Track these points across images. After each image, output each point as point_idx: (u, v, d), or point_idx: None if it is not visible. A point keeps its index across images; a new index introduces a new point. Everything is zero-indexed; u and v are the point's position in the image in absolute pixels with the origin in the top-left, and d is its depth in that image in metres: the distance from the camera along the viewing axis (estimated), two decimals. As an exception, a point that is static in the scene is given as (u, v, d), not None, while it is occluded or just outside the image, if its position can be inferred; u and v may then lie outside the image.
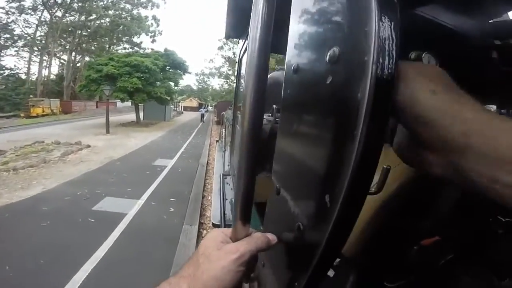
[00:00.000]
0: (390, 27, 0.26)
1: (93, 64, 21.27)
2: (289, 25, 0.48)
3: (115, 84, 18.63)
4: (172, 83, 23.09)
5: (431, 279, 0.75)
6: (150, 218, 4.47)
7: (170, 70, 22.59)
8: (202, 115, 28.86)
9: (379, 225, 0.68)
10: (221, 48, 34.97)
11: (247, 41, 1.72)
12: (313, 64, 0.40)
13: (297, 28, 0.46)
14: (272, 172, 0.53)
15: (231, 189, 2.07)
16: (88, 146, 10.41)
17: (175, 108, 43.91)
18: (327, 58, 0.32)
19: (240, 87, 1.97)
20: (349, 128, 0.27)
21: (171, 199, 5.31)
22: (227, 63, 37.55)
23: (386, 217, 0.67)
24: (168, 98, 21.94)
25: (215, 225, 2.52)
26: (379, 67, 0.25)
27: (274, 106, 2.13)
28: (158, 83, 20.72)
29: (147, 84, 19.71)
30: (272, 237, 0.43)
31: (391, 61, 0.25)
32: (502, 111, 1.33)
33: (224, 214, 2.06)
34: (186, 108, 60.30)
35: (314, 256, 0.33)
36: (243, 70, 2.11)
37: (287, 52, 0.48)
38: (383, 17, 0.25)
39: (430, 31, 0.84)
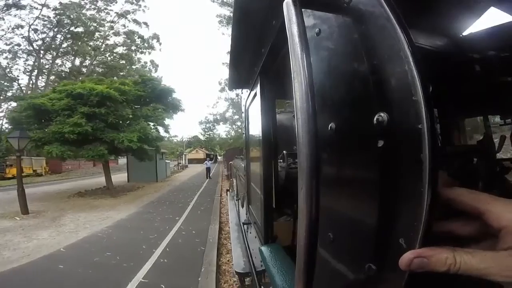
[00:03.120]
0: (433, 92, 0.31)
1: (25, 98, 12.99)
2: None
3: (46, 129, 10.98)
4: (154, 125, 14.62)
5: None
6: None
7: (150, 104, 14.28)
8: (208, 170, 21.56)
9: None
10: (223, 90, 34.00)
11: (252, 91, 1.83)
12: (357, 126, 0.44)
13: (328, 87, 0.51)
14: (322, 225, 0.53)
15: (255, 237, 2.11)
16: None
17: (179, 162, 40.91)
18: (375, 122, 0.37)
19: (253, 136, 2.02)
20: (415, 185, 0.31)
21: None
22: (231, 106, 36.75)
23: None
24: (151, 148, 13.80)
25: (238, 273, 2.43)
26: (432, 133, 0.30)
27: (284, 152, 2.15)
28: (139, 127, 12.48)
29: (106, 127, 11.66)
30: None
31: (438, 124, 0.29)
32: (507, 120, 1.32)
33: (252, 262, 2.01)
34: (192, 161, 57.01)
35: None
36: (251, 119, 2.19)
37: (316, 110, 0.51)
38: (427, 84, 0.30)
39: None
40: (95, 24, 32.57)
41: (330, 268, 0.54)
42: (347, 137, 0.46)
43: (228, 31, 26.70)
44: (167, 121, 15.75)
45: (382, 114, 0.36)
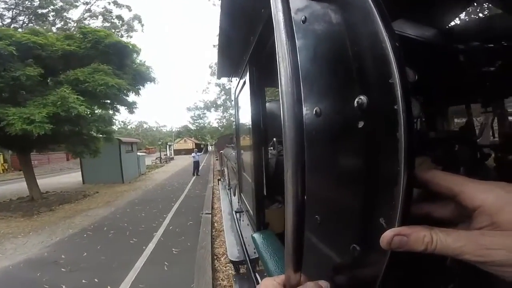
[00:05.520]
0: (410, 75, 0.31)
1: None
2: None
3: None
4: (112, 103, 10.46)
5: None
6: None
7: (99, 66, 8.83)
8: (196, 164, 16.80)
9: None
10: (213, 73, 30.53)
11: (241, 80, 1.82)
12: (339, 109, 0.46)
13: (313, 72, 0.52)
14: (309, 208, 0.54)
15: (247, 224, 2.13)
16: None
17: (165, 154, 37.06)
18: (356, 105, 0.39)
19: (243, 124, 2.01)
20: (393, 164, 0.33)
21: None
22: (223, 91, 35.24)
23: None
24: (101, 135, 10.23)
25: (232, 262, 2.49)
26: (408, 114, 0.31)
27: (274, 139, 2.17)
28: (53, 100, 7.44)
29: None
30: (325, 285, 0.43)
31: (414, 104, 0.31)
32: (488, 109, 1.38)
33: (246, 250, 2.04)
34: (180, 152, 53.25)
35: (379, 272, 0.37)
36: (240, 107, 2.19)
37: (302, 96, 0.51)
38: (402, 68, 0.31)
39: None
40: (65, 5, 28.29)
41: (318, 250, 0.56)
42: (331, 120, 0.48)
43: (218, 1, 24.87)
44: (131, 97, 10.78)
45: (362, 97, 0.38)
